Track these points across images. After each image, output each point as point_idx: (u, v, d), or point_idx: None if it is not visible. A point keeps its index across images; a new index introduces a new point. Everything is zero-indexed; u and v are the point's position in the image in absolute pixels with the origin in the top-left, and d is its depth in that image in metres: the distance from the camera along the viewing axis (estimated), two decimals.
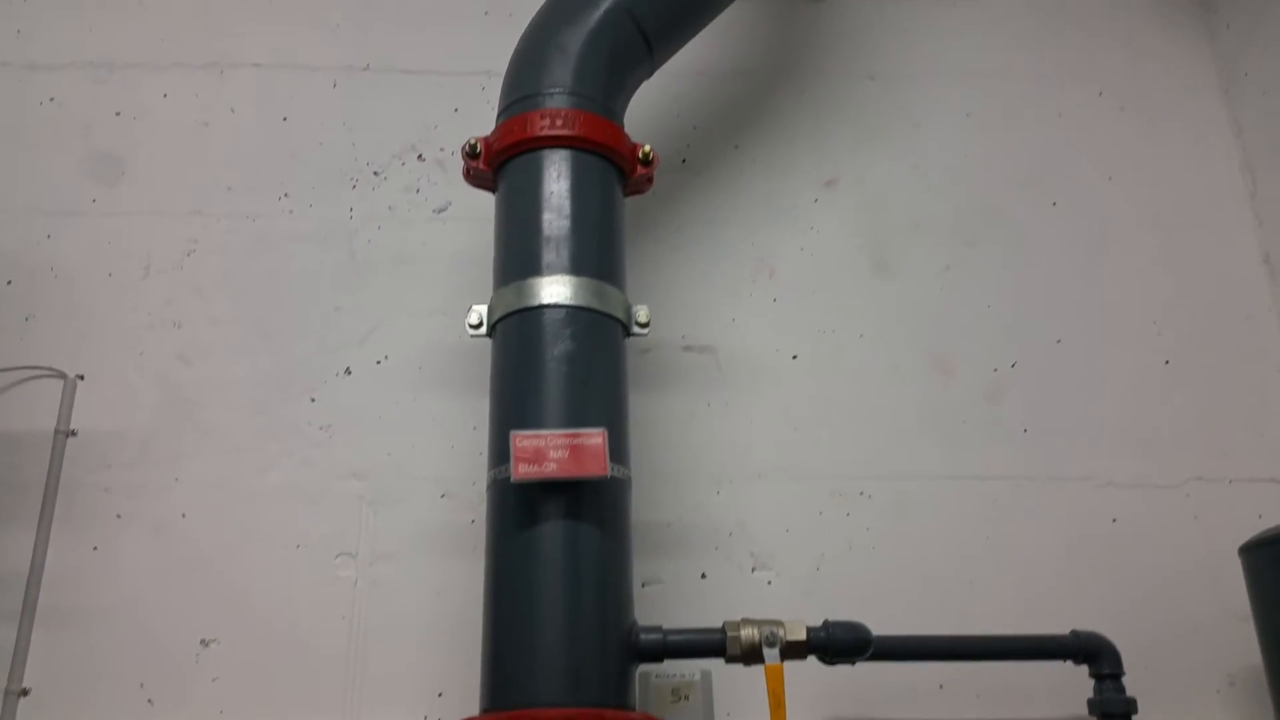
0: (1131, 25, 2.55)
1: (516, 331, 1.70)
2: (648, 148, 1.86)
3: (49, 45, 2.36)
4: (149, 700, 1.92)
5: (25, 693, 1.91)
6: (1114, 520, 2.14)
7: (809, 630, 1.66)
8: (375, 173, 2.31)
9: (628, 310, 1.77)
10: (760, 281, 2.29)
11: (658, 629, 1.63)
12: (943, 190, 2.39)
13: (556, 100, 1.81)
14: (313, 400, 2.13)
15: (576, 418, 1.61)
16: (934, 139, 2.43)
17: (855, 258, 2.32)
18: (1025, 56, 2.51)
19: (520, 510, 1.58)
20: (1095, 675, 1.79)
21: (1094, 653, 1.80)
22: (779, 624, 1.66)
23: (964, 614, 1.99)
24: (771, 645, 1.64)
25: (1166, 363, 2.26)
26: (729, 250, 2.31)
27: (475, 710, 1.56)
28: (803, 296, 2.28)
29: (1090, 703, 1.79)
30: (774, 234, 2.33)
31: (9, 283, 2.19)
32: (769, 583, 2.05)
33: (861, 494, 2.13)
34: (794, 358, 2.23)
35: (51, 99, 2.32)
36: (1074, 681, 1.83)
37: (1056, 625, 1.83)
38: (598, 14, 1.88)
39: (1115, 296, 2.31)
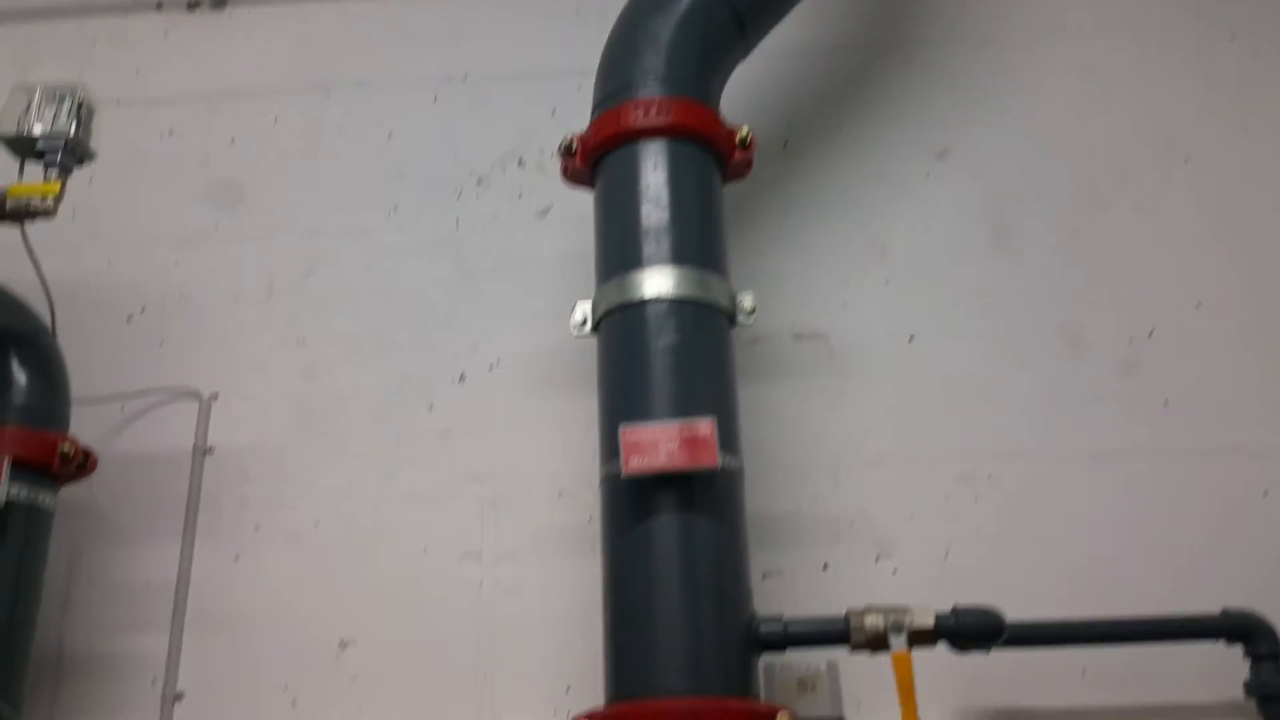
0: None
1: (621, 327, 1.70)
2: (745, 130, 1.82)
3: (164, 80, 2.49)
4: (293, 701, 1.99)
5: (180, 697, 2.00)
6: (1265, 493, 1.99)
7: (937, 616, 1.60)
8: (478, 181, 2.35)
9: (732, 299, 1.74)
10: (871, 263, 2.23)
11: (778, 619, 1.60)
12: (1064, 155, 2.27)
13: (649, 89, 1.79)
14: (431, 408, 2.17)
15: (685, 409, 1.59)
16: (1051, 102, 2.31)
17: (972, 231, 2.23)
18: (1145, 4, 2.37)
19: (633, 504, 1.58)
20: (1251, 655, 1.68)
21: (1248, 632, 1.69)
22: (905, 611, 1.61)
23: (1105, 597, 1.85)
24: (898, 632, 1.59)
25: None
26: (837, 233, 2.25)
27: (602, 702, 1.55)
28: (917, 276, 2.21)
29: (1247, 684, 1.68)
30: (884, 213, 2.26)
31: (142, 310, 2.30)
32: (894, 572, 1.98)
33: (989, 477, 2.04)
34: (910, 339, 2.15)
35: (170, 132, 2.45)
36: (1227, 663, 1.71)
37: (1206, 605, 1.71)
38: None
39: (1257, 254, 2.16)
